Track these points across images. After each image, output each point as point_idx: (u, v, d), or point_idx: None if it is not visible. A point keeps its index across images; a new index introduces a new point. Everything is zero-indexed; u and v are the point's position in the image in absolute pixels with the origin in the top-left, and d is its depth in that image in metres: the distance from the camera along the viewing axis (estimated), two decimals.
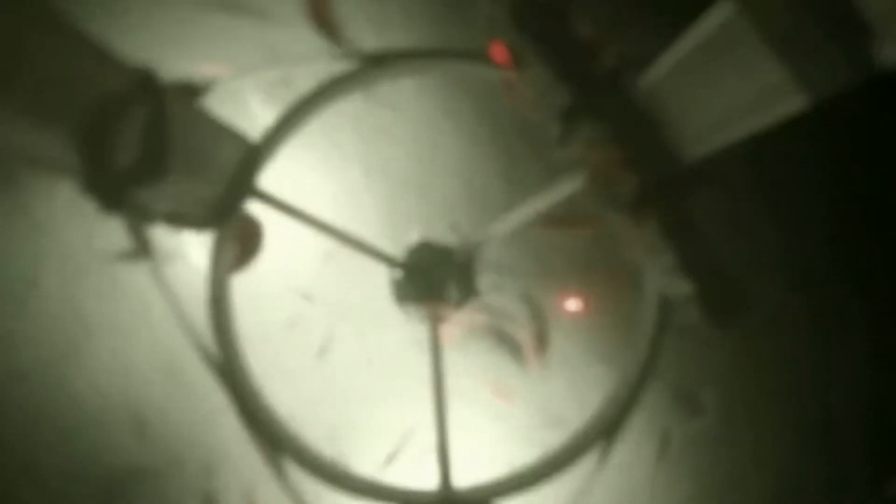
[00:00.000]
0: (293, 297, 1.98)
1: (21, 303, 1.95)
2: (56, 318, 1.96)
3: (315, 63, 1.62)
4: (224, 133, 1.48)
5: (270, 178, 1.59)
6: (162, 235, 1.46)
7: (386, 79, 1.68)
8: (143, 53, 1.21)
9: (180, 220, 1.43)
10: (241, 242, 1.69)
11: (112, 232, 1.90)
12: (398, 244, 1.72)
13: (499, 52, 1.31)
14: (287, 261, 1.96)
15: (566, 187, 1.41)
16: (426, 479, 1.54)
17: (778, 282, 1.97)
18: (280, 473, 1.49)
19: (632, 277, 1.54)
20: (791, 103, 0.92)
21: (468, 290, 1.68)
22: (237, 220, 1.62)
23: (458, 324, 1.94)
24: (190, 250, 1.73)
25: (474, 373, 1.98)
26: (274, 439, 1.52)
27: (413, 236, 1.75)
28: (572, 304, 1.99)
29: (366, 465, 1.81)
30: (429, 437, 1.60)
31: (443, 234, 1.79)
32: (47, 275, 1.97)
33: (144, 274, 1.76)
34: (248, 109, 1.57)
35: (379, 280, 1.71)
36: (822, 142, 1.87)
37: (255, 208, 1.67)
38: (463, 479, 1.53)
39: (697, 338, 1.91)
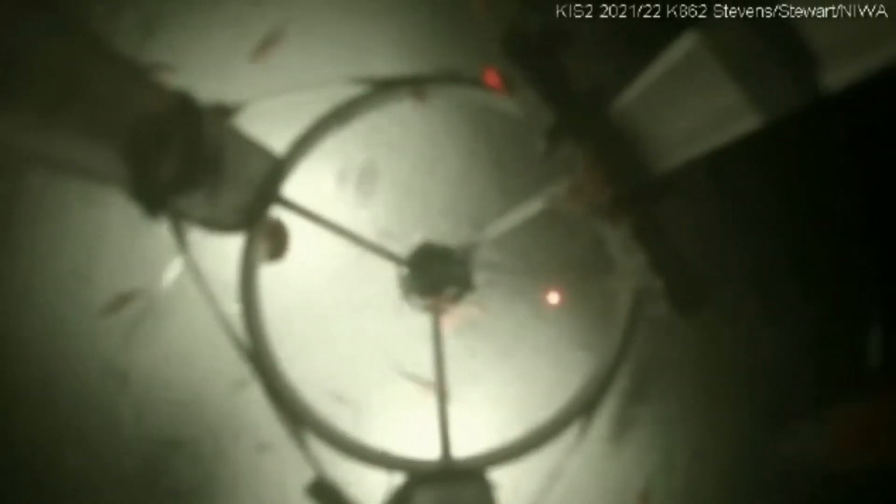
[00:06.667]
0: (312, 291, 1.98)
1: (75, 295, 1.96)
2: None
3: (332, 87, 1.62)
4: (252, 149, 1.48)
5: (293, 187, 1.59)
6: (197, 237, 1.45)
7: (393, 101, 1.68)
8: (183, 79, 1.21)
9: (214, 224, 1.43)
10: (271, 241, 1.71)
11: (155, 233, 1.90)
12: (404, 245, 1.72)
13: (492, 77, 1.31)
14: (307, 259, 1.96)
15: (551, 195, 1.41)
16: (429, 450, 1.54)
17: (735, 279, 1.97)
18: (301, 443, 1.49)
19: (608, 274, 1.54)
20: (747, 122, 0.92)
21: (465, 285, 1.69)
22: (268, 223, 1.64)
23: (456, 315, 1.94)
24: (222, 249, 1.72)
25: (470, 358, 1.98)
26: (296, 414, 1.52)
27: (417, 238, 1.75)
28: (556, 298, 1.99)
29: (376, 437, 1.81)
30: (431, 414, 1.59)
31: (443, 236, 1.79)
32: (99, 270, 1.97)
33: (182, 268, 1.77)
34: (273, 128, 1.57)
35: (387, 276, 1.71)
36: (774, 156, 1.86)
37: (281, 215, 1.68)
38: (461, 450, 1.53)
39: (665, 328, 1.91)
